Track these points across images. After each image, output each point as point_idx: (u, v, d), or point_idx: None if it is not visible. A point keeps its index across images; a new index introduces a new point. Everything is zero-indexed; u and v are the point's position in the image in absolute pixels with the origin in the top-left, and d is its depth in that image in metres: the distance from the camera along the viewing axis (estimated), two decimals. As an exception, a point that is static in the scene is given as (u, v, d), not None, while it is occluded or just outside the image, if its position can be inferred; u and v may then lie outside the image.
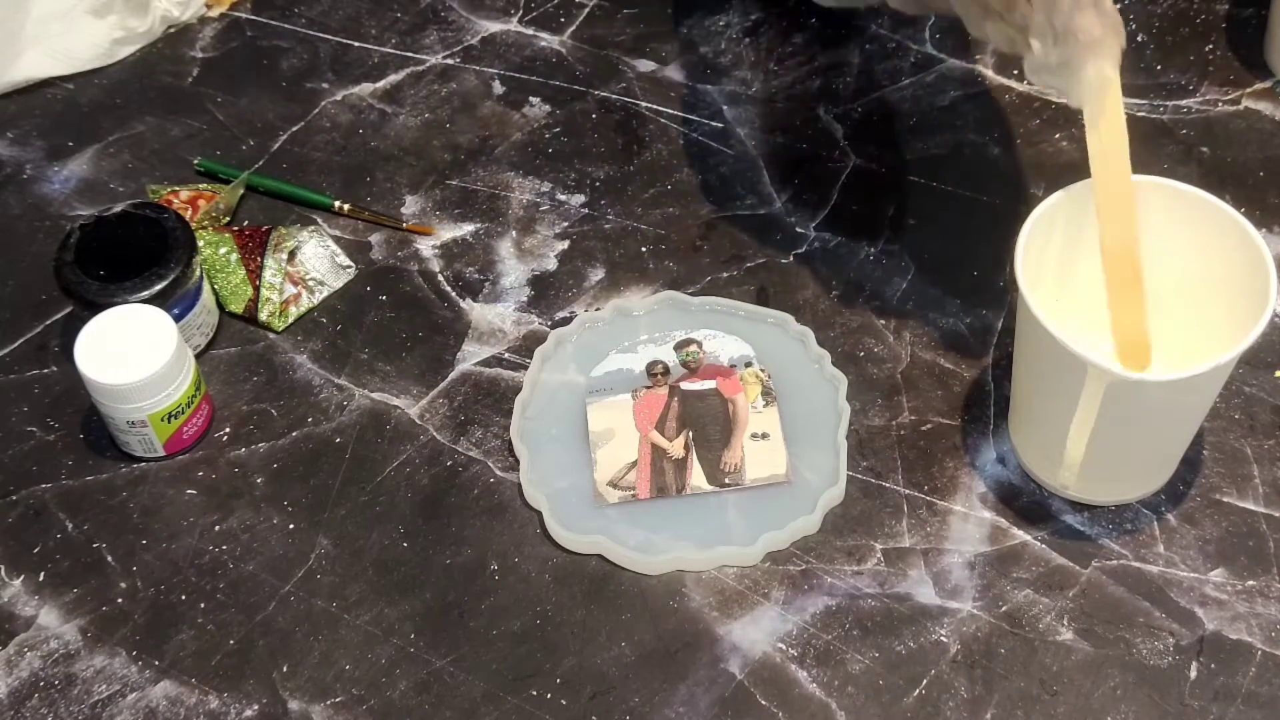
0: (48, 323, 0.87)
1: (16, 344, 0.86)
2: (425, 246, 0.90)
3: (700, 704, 0.72)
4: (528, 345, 0.85)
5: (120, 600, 0.76)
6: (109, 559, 0.77)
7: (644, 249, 0.89)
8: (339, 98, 0.97)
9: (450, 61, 0.99)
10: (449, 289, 0.88)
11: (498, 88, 0.98)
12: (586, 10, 1.02)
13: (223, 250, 0.88)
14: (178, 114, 0.97)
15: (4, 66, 0.97)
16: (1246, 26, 0.98)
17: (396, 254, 0.89)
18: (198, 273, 0.83)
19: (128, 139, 0.96)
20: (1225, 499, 0.77)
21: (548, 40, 1.00)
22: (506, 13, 1.02)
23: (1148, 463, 0.76)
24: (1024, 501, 0.78)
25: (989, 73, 0.96)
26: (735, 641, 0.73)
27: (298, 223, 0.91)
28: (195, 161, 0.94)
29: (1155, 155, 0.91)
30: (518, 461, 0.80)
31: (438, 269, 0.89)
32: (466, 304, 0.87)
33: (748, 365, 0.83)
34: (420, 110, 0.97)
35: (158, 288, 0.80)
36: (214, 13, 1.02)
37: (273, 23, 1.02)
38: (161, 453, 0.80)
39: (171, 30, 1.01)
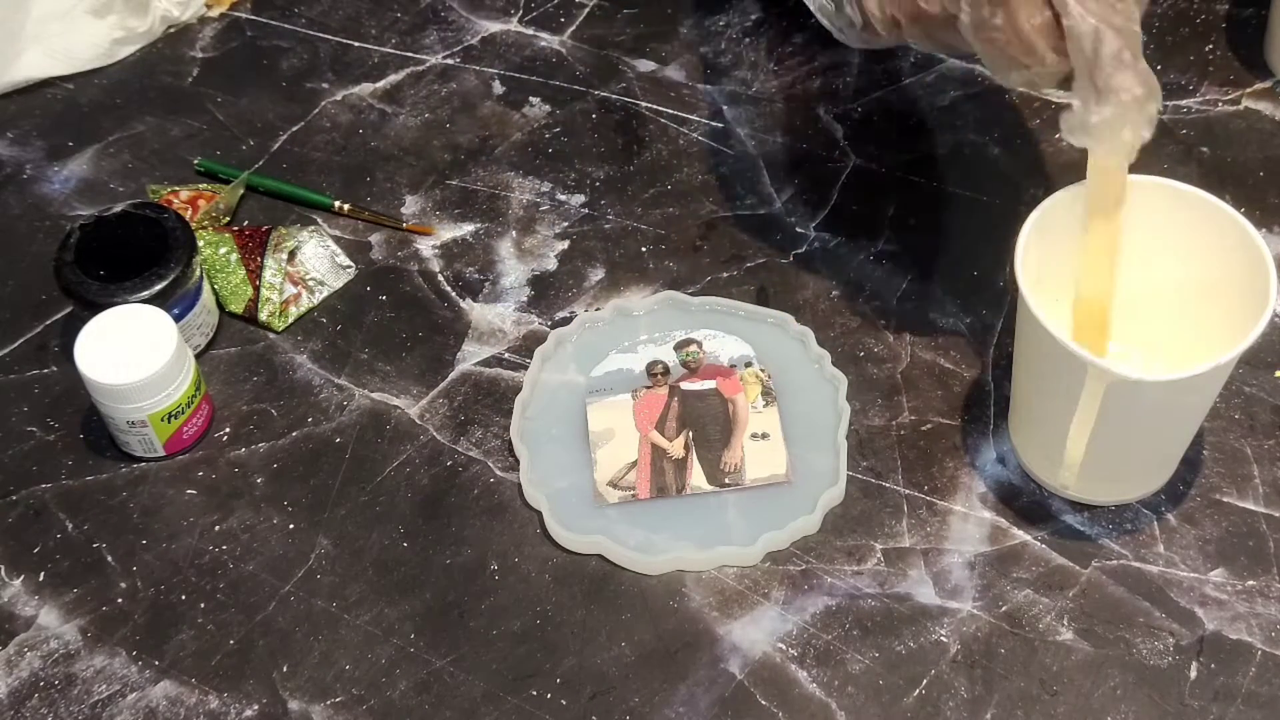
0: (48, 323, 0.87)
1: (16, 344, 0.86)
2: (425, 246, 0.90)
3: (700, 704, 0.72)
4: (528, 345, 0.85)
5: (120, 600, 0.76)
6: (109, 559, 0.77)
7: (644, 249, 0.89)
8: (339, 98, 0.97)
9: (450, 61, 0.99)
10: (449, 289, 0.88)
11: (498, 88, 0.98)
12: (586, 10, 1.02)
13: (223, 250, 0.88)
14: (178, 114, 0.97)
15: (4, 66, 0.97)
16: (1246, 26, 0.98)
17: (396, 254, 0.89)
18: (198, 273, 0.83)
19: (128, 139, 0.96)
20: (1225, 499, 0.77)
21: (548, 40, 1.00)
22: (506, 13, 1.02)
23: (1148, 463, 0.76)
24: (1024, 501, 0.78)
25: (989, 73, 0.96)
26: (735, 641, 0.73)
27: (298, 223, 0.91)
28: (195, 161, 0.94)
29: (1155, 155, 0.91)
30: (518, 461, 0.80)
31: (438, 269, 0.89)
32: (466, 304, 0.87)
33: (748, 365, 0.83)
34: (420, 110, 0.97)
35: (158, 288, 0.80)
36: (214, 13, 1.02)
37: (273, 23, 1.02)
38: (161, 453, 0.80)
39: (171, 30, 1.01)
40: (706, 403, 0.81)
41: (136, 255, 0.81)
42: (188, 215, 0.89)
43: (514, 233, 0.90)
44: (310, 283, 0.87)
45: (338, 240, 0.90)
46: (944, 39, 0.73)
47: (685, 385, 0.82)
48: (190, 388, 0.79)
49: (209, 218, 0.90)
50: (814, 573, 0.76)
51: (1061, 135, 0.70)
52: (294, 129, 0.96)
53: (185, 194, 0.91)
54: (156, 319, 0.78)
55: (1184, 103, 0.94)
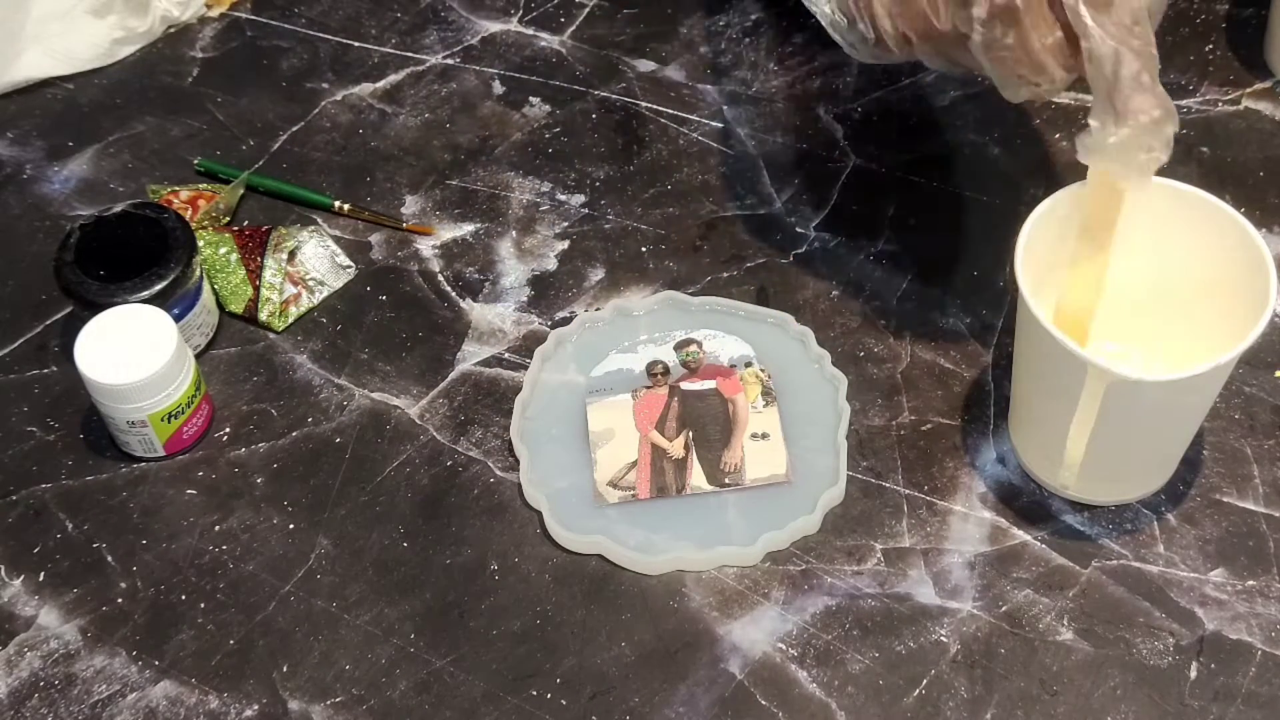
0: (48, 323, 0.87)
1: (16, 344, 0.86)
2: (425, 246, 0.90)
3: (700, 704, 0.72)
4: (528, 345, 0.85)
5: (120, 600, 0.76)
6: (109, 559, 0.77)
7: (644, 249, 0.89)
8: (339, 98, 0.97)
9: (450, 61, 0.99)
10: (449, 289, 0.88)
11: (498, 88, 0.98)
12: (586, 10, 1.02)
13: (223, 250, 0.88)
14: (178, 114, 0.97)
15: (4, 66, 0.97)
16: (1246, 26, 0.98)
17: (396, 254, 0.89)
18: (198, 273, 0.83)
19: (128, 139, 0.96)
20: (1225, 499, 0.77)
21: (548, 40, 1.00)
22: (506, 13, 1.02)
23: (1148, 463, 0.76)
24: (1024, 501, 0.78)
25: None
26: (735, 641, 0.73)
27: (298, 223, 0.91)
28: (195, 161, 0.94)
29: (1155, 155, 0.91)
30: (518, 461, 0.80)
31: (438, 269, 0.89)
32: (466, 304, 0.87)
33: (748, 365, 0.83)
34: (420, 110, 0.97)
35: (158, 288, 0.80)
36: (214, 13, 1.02)
37: (273, 23, 1.02)
38: (161, 453, 0.80)
39: (171, 30, 1.01)
40: (706, 403, 0.81)
41: (136, 255, 0.81)
42: (188, 215, 0.89)
43: (514, 233, 0.90)
44: (310, 283, 0.87)
45: (338, 240, 0.90)
46: (954, 57, 0.73)
47: (685, 385, 0.82)
48: (190, 388, 0.79)
49: (209, 218, 0.90)
50: (814, 573, 0.76)
51: (1078, 157, 0.70)
52: (294, 129, 0.96)
53: (185, 194, 0.91)
54: (156, 319, 0.78)
55: (1184, 103, 0.94)
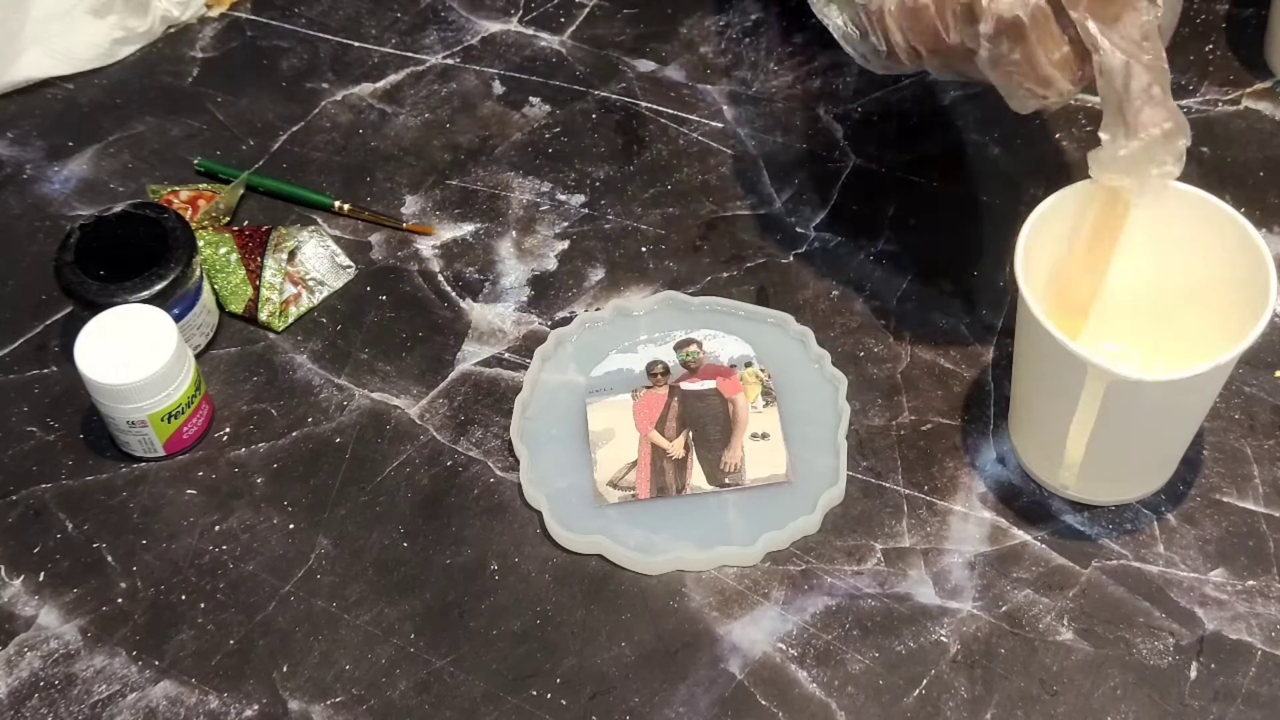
0: (48, 323, 0.87)
1: (16, 344, 0.86)
2: (425, 246, 0.90)
3: (700, 704, 0.72)
4: (528, 345, 0.85)
5: (120, 600, 0.76)
6: (109, 559, 0.77)
7: (644, 249, 0.89)
8: (339, 98, 0.97)
9: (450, 61, 0.99)
10: (449, 289, 0.88)
11: (498, 88, 0.98)
12: (586, 10, 1.02)
13: (223, 250, 0.88)
14: (178, 114, 0.97)
15: (4, 66, 0.97)
16: (1246, 26, 0.98)
17: (396, 254, 0.89)
18: (198, 273, 0.83)
19: (128, 139, 0.96)
20: (1225, 499, 0.77)
21: (548, 40, 1.00)
22: (506, 13, 1.02)
23: (1148, 463, 0.76)
24: (1024, 501, 0.78)
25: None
26: (735, 641, 0.73)
27: (298, 223, 0.91)
28: (195, 161, 0.94)
29: (1155, 155, 0.91)
30: (518, 461, 0.80)
31: (438, 269, 0.89)
32: (466, 304, 0.87)
33: (748, 365, 0.83)
34: (420, 110, 0.97)
35: (158, 288, 0.80)
36: (214, 13, 1.02)
37: (273, 23, 1.02)
38: (161, 453, 0.80)
39: (171, 30, 1.01)
40: (706, 403, 0.81)
41: (136, 255, 0.81)
42: (188, 215, 0.89)
43: (514, 233, 0.90)
44: (310, 283, 0.87)
45: (338, 240, 0.90)
46: (963, 70, 0.74)
47: (685, 385, 0.82)
48: (190, 388, 0.79)
49: (209, 218, 0.90)
50: (814, 573, 0.76)
51: (1090, 173, 0.71)
52: (294, 129, 0.96)
53: (185, 194, 0.91)
54: (156, 319, 0.78)
55: (1184, 103, 0.94)
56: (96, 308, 0.79)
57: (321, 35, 1.01)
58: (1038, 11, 0.68)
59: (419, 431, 0.82)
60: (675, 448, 0.80)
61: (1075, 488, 0.76)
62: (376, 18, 1.02)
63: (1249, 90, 0.95)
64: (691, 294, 0.86)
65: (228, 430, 0.82)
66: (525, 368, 0.83)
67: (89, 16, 0.98)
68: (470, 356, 0.85)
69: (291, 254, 0.88)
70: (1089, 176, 0.73)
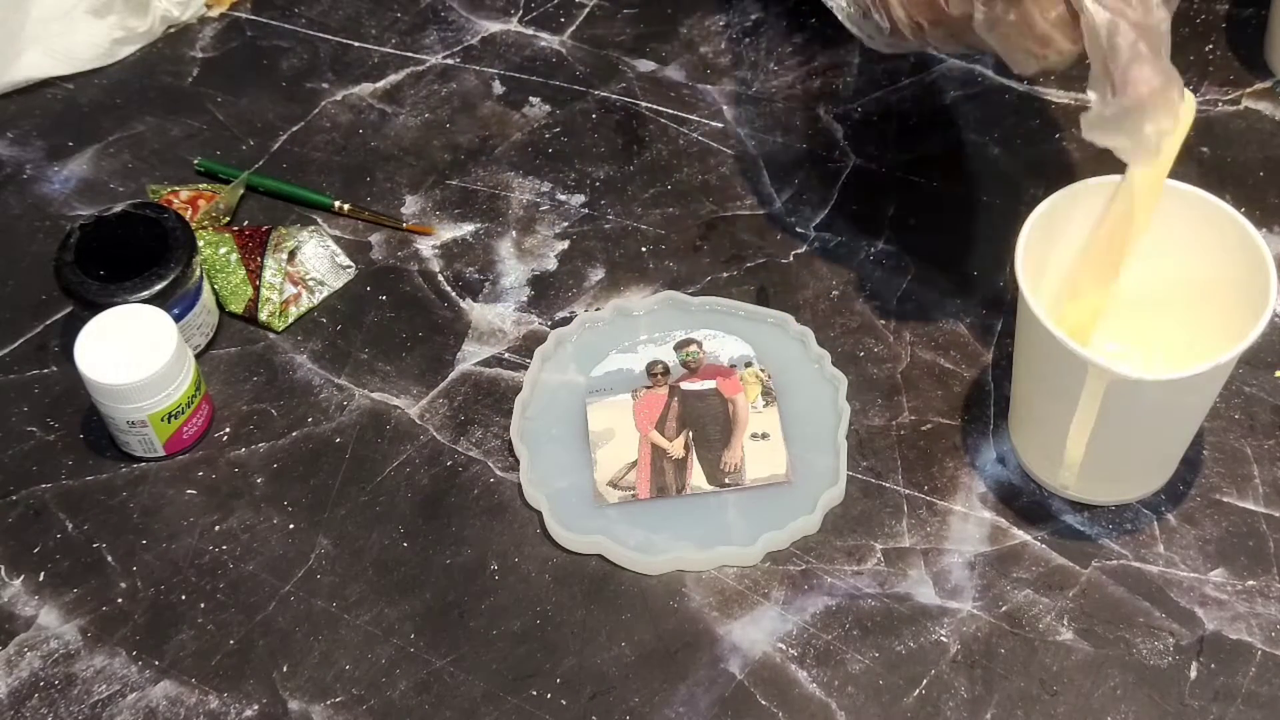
0: (48, 323, 0.87)
1: (16, 344, 0.86)
2: (425, 246, 0.90)
3: (700, 704, 0.72)
4: (528, 345, 0.85)
5: (120, 600, 0.76)
6: (109, 559, 0.77)
7: (644, 249, 0.89)
8: (339, 98, 0.97)
9: (450, 61, 0.99)
10: (449, 289, 0.88)
11: (498, 88, 0.98)
12: (586, 10, 1.02)
13: (223, 250, 0.88)
14: (178, 114, 0.97)
15: (4, 66, 0.97)
16: (1246, 26, 0.98)
17: (396, 254, 0.89)
18: (198, 273, 0.83)
19: (128, 139, 0.96)
20: (1225, 499, 0.77)
21: (548, 40, 1.00)
22: (506, 13, 1.02)
23: (1148, 463, 0.76)
24: (1024, 501, 0.78)
25: (989, 73, 0.96)
26: (735, 641, 0.73)
27: (298, 223, 0.91)
28: (195, 161, 0.94)
29: (1155, 155, 0.91)
30: (518, 461, 0.80)
31: (438, 269, 0.89)
32: (466, 304, 0.87)
33: (748, 365, 0.83)
34: (420, 110, 0.97)
35: (158, 288, 0.80)
36: (214, 13, 1.02)
37: (273, 23, 1.02)
38: (161, 453, 0.80)
39: (171, 30, 1.01)
40: (706, 403, 0.81)
41: (136, 255, 0.81)
42: (188, 215, 0.89)
43: (514, 233, 0.90)
44: (310, 283, 0.87)
45: (338, 240, 0.90)
46: (966, 39, 0.73)
47: (685, 385, 0.82)
48: (190, 388, 0.79)
49: (209, 218, 0.90)
50: (814, 573, 0.76)
51: (1083, 134, 0.70)
52: (294, 129, 0.96)
53: (185, 194, 0.91)
54: (156, 319, 0.78)
55: (1184, 103, 0.94)
56: (96, 308, 0.79)
57: (321, 35, 1.01)
58: None
59: (419, 431, 0.82)
60: (675, 448, 0.80)
61: (1075, 488, 0.76)
62: (376, 18, 1.02)
63: (1249, 90, 0.95)
64: (691, 294, 0.86)
65: (228, 430, 0.82)
66: (525, 368, 0.83)
67: (89, 16, 0.98)
68: (470, 356, 0.85)
69: (291, 254, 0.88)
70: (1089, 176, 0.73)
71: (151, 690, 0.73)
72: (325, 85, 0.98)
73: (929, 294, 0.86)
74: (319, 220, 0.91)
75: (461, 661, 0.73)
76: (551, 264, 0.89)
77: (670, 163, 0.93)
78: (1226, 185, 0.89)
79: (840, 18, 0.77)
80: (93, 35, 0.98)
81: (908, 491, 0.78)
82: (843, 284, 0.87)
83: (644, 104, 0.96)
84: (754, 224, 0.90)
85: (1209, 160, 0.91)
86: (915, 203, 0.90)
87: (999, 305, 0.85)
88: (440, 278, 0.88)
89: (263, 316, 0.86)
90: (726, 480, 0.78)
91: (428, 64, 0.99)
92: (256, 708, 0.72)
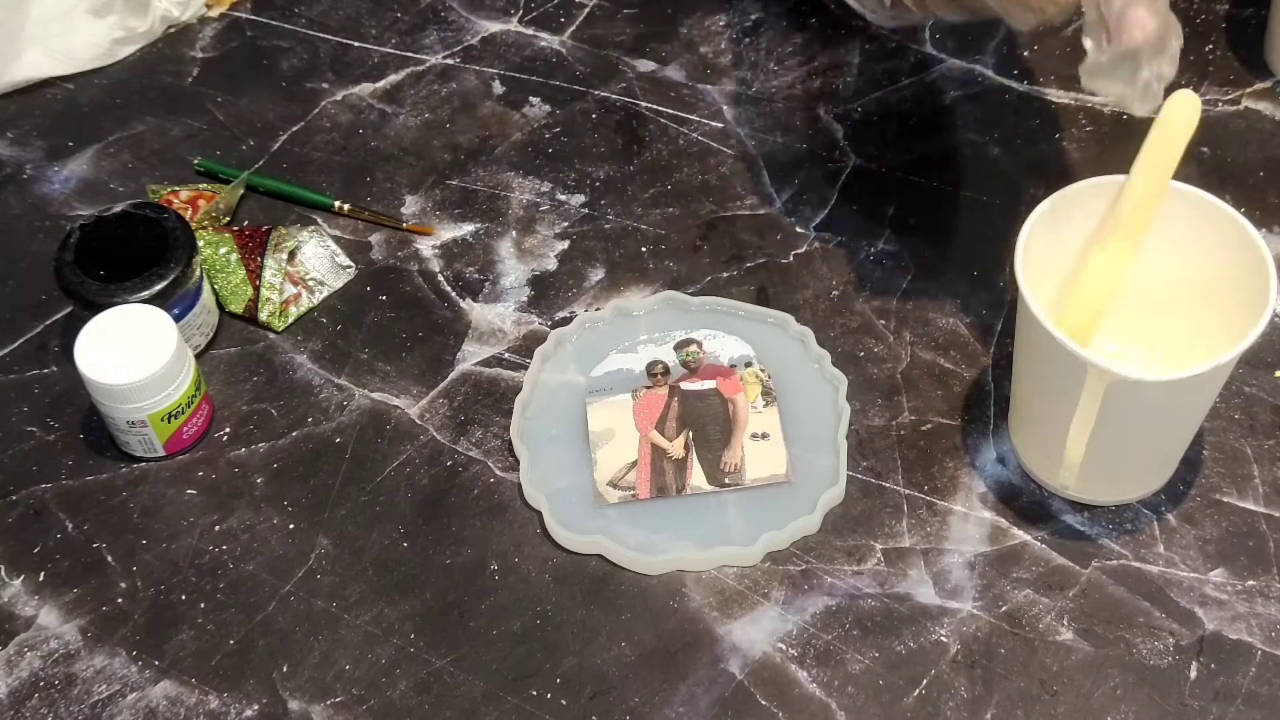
0: (48, 323, 0.87)
1: (16, 344, 0.86)
2: (425, 246, 0.90)
3: (700, 704, 0.72)
4: (528, 345, 0.85)
5: (120, 600, 0.76)
6: (109, 559, 0.77)
7: (644, 249, 0.89)
8: (339, 98, 0.97)
9: (450, 61, 0.99)
10: (449, 289, 0.88)
11: (498, 88, 0.98)
12: (586, 10, 1.02)
13: (223, 250, 0.88)
14: (178, 114, 0.97)
15: (4, 66, 0.97)
16: (1246, 26, 0.98)
17: (396, 254, 0.89)
18: (198, 273, 0.83)
19: (128, 139, 0.96)
20: (1225, 499, 0.77)
21: (548, 40, 1.00)
22: (506, 13, 1.02)
23: (1148, 463, 0.76)
24: (1024, 501, 0.78)
25: (989, 73, 0.96)
26: (735, 641, 0.73)
27: (298, 223, 0.91)
28: (195, 161, 0.94)
29: (1155, 155, 0.91)
30: (518, 461, 0.80)
31: (438, 269, 0.89)
32: (466, 304, 0.87)
33: (748, 365, 0.83)
34: (420, 110, 0.97)
35: (158, 288, 0.80)
36: (214, 13, 1.02)
37: (273, 23, 1.02)
38: (161, 453, 0.80)
39: (171, 30, 1.01)
40: (706, 403, 0.81)
41: (136, 255, 0.81)
42: (188, 215, 0.89)
43: (514, 233, 0.90)
44: (310, 283, 0.87)
45: (338, 240, 0.90)
46: (968, 4, 0.72)
47: (685, 385, 0.82)
48: (190, 388, 0.79)
49: (209, 218, 0.90)
50: (814, 573, 0.76)
51: (1082, 84, 0.69)
52: (294, 129, 0.96)
53: (185, 194, 0.91)
54: (156, 319, 0.78)
55: (1184, 103, 0.94)
56: (96, 308, 0.79)
57: (321, 35, 1.01)
58: None
59: (419, 431, 0.82)
60: (675, 448, 0.80)
61: (1075, 488, 0.76)
62: (376, 18, 1.02)
63: (1249, 90, 0.95)
64: (691, 294, 0.86)
65: (228, 430, 0.82)
66: (525, 368, 0.83)
67: (89, 16, 0.98)
68: (470, 356, 0.85)
69: (291, 254, 0.88)
70: (1089, 176, 0.73)
71: (151, 690, 0.73)
72: (325, 85, 0.98)
73: (929, 294, 0.86)
74: (319, 220, 0.91)
75: (461, 661, 0.73)
76: (551, 264, 0.89)
77: (670, 163, 0.93)
78: (1226, 185, 0.89)
79: None
80: (93, 35, 0.98)
81: (908, 491, 0.78)
82: (843, 284, 0.87)
83: (644, 104, 0.96)
84: (754, 224, 0.90)
85: (1209, 160, 0.91)
86: (915, 203, 0.90)
87: (999, 305, 0.85)
88: (440, 278, 0.88)
89: (263, 316, 0.86)
90: (726, 480, 0.78)
91: (428, 64, 0.99)
92: (256, 708, 0.72)
